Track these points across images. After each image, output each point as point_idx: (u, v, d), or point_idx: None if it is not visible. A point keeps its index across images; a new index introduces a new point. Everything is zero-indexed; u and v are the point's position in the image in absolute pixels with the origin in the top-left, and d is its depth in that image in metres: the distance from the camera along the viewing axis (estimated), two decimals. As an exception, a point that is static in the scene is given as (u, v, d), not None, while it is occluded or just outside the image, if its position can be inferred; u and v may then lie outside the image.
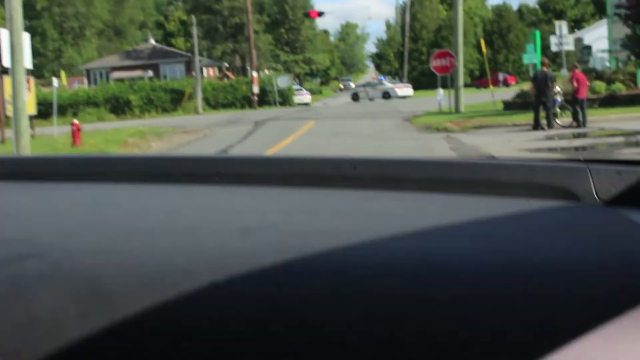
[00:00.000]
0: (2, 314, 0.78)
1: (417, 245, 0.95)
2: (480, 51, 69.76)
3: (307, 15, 63.88)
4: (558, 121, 20.92)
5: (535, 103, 20.54)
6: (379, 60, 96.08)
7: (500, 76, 69.55)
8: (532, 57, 50.89)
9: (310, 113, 39.46)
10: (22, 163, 1.58)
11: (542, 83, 20.22)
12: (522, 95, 28.95)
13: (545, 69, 20.68)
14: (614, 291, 0.81)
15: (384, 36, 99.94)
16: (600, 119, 21.49)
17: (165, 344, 0.76)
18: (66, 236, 1.01)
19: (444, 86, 32.07)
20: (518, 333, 0.77)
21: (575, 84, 20.59)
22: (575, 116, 20.60)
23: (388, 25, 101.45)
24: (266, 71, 69.48)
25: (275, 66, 79.90)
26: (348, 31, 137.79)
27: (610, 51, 29.37)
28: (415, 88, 63.75)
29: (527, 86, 26.32)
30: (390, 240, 0.96)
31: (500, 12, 78.59)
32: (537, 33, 52.64)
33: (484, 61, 33.45)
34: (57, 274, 0.86)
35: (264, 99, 53.02)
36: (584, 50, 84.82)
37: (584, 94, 20.83)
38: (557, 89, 20.85)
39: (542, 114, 20.53)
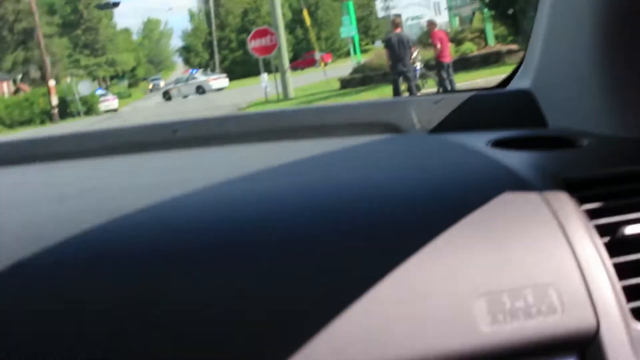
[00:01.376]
0: None
1: (244, 186, 0.99)
2: (292, 30, 66.04)
3: (101, 7, 56.94)
4: (420, 93, 16.47)
5: (392, 74, 15.93)
6: (187, 53, 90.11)
7: (317, 55, 65.28)
8: (349, 29, 46.86)
9: (118, 120, 33.45)
10: None
11: (398, 48, 15.62)
12: (360, 69, 24.36)
13: (399, 30, 16.04)
14: (442, 206, 0.89)
15: (189, 28, 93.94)
16: (467, 85, 17.18)
17: None
18: None
19: (266, 71, 27.01)
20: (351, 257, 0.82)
21: (438, 45, 16.12)
22: (442, 84, 16.16)
23: (192, 15, 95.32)
24: (68, 79, 62.45)
25: (76, 72, 72.32)
26: (151, 28, 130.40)
27: (450, 8, 25.19)
28: (230, 78, 58.17)
29: (348, 61, 21.86)
30: (208, 189, 0.99)
31: (306, -11, 74.48)
32: (350, 4, 48.76)
33: (311, 35, 29.00)
34: None
35: (65, 110, 46.16)
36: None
37: (449, 56, 16.44)
38: (415, 54, 16.33)
39: (403, 86, 15.98)
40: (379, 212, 0.88)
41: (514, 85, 1.51)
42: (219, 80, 53.64)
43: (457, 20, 26.66)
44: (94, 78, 76.43)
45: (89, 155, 1.38)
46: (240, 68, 74.35)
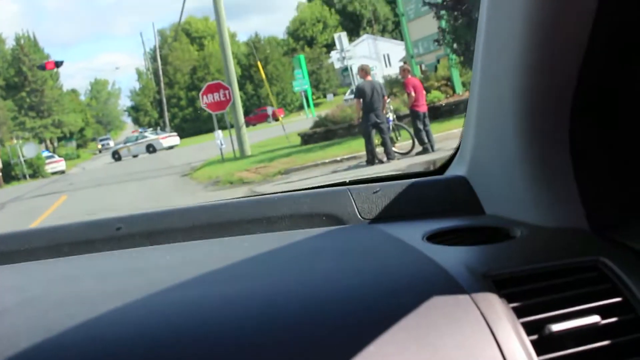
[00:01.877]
0: None
1: (181, 294, 1.00)
2: (242, 86, 64.62)
3: (43, 67, 54.90)
4: (395, 148, 14.90)
5: (364, 127, 14.36)
6: (136, 112, 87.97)
7: (269, 110, 63.84)
8: (302, 83, 45.71)
9: (64, 183, 31.30)
10: None
11: (371, 97, 14.10)
12: (322, 122, 22.75)
13: (369, 78, 14.50)
14: (375, 307, 0.92)
15: (137, 87, 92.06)
16: (443, 136, 15.63)
17: None
18: None
19: (220, 127, 25.22)
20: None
21: (412, 93, 14.59)
22: (418, 136, 14.59)
23: (139, 74, 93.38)
24: (14, 141, 60.04)
25: (22, 135, 69.79)
26: (98, 88, 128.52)
27: (412, 57, 23.84)
28: (181, 136, 56.33)
29: (303, 115, 20.32)
30: (154, 297, 1.00)
31: (255, 44, 73.15)
32: (302, 57, 47.60)
33: (266, 87, 27.33)
34: None
35: (10, 173, 43.88)
36: (344, 72, 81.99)
37: (424, 105, 14.93)
38: (387, 103, 14.77)
39: (376, 139, 14.41)
40: (314, 320, 0.90)
41: (451, 171, 1.53)
42: (169, 139, 51.71)
43: (419, 69, 25.30)
44: (41, 140, 74.02)
45: (30, 255, 1.35)
46: (191, 125, 72.95)
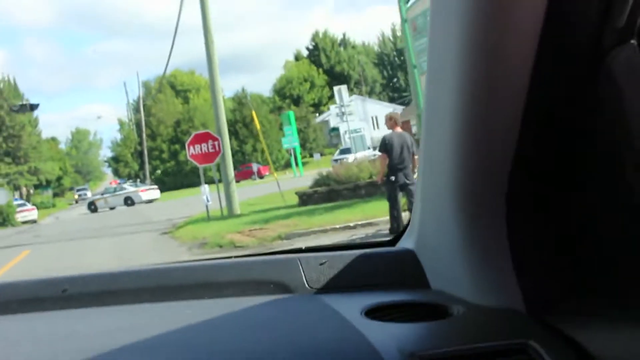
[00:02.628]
0: None
1: None
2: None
3: (17, 109, 52.07)
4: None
5: (389, 188, 11.76)
6: (116, 163, 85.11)
7: (255, 167, 61.27)
8: (291, 140, 43.32)
9: (30, 235, 28.36)
10: None
11: (400, 153, 11.55)
12: (323, 181, 20.08)
13: (398, 129, 11.90)
14: None
15: (118, 137, 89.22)
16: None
17: None
18: None
19: (201, 182, 22.47)
20: None
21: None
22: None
23: (121, 124, 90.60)
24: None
25: (-5, 181, 66.60)
26: (79, 138, 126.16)
27: (415, 67, 21.33)
28: (161, 190, 53.40)
29: (315, 169, 17.73)
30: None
31: (241, 100, 70.92)
32: (292, 114, 45.35)
33: (261, 140, 24.59)
34: None
35: (-23, 221, 40.86)
36: (332, 132, 79.86)
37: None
38: (416, 162, 12.18)
39: (403, 202, 11.78)
40: None
41: (401, 244, 1.54)
42: (149, 192, 48.80)
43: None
44: (16, 187, 70.85)
45: None
46: (172, 179, 70.39)
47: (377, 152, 12.19)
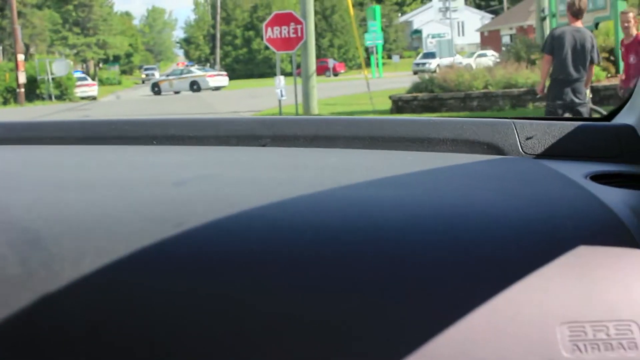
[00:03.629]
0: None
1: (352, 193, 1.02)
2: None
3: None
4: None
5: (551, 106, 8.06)
6: (188, 45, 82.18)
7: (331, 63, 57.33)
8: (375, 36, 39.33)
9: (77, 115, 25.26)
10: None
11: (574, 57, 7.79)
12: (424, 86, 16.36)
13: (578, 24, 8.05)
14: (534, 235, 0.92)
15: (193, 18, 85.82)
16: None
17: (101, 292, 0.79)
18: (2, 190, 1.03)
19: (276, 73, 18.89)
20: (443, 275, 0.84)
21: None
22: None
23: (196, 4, 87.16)
24: (56, 55, 54.44)
25: (63, 50, 64.09)
26: (155, 16, 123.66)
27: (553, 15, 17.29)
28: (230, 78, 50.01)
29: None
30: (324, 190, 1.02)
31: (323, -9, 66.39)
32: (378, 8, 41.39)
33: (353, 29, 20.72)
34: None
35: (35, 91, 38.06)
36: (413, 34, 75.21)
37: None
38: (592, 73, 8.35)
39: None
40: (472, 234, 0.91)
41: (619, 119, 1.49)
42: (217, 78, 45.20)
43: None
44: (83, 60, 68.38)
45: (179, 141, 1.39)
46: (243, 67, 67.00)
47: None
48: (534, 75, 14.06)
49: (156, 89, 43.68)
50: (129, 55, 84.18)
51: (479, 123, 1.38)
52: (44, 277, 0.78)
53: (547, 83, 8.12)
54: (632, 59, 8.66)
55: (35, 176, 1.11)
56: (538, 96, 10.70)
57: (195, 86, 43.09)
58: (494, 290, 0.82)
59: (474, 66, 21.03)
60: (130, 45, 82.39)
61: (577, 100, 7.78)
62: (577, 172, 1.17)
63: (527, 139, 1.33)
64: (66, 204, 0.93)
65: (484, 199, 1.01)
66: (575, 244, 0.89)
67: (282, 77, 18.01)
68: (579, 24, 7.90)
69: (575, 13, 7.87)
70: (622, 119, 1.45)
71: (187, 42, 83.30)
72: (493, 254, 0.87)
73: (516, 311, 0.82)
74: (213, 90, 42.18)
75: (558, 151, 1.32)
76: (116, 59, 77.32)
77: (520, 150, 1.32)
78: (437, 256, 0.85)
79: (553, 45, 7.90)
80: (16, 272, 0.79)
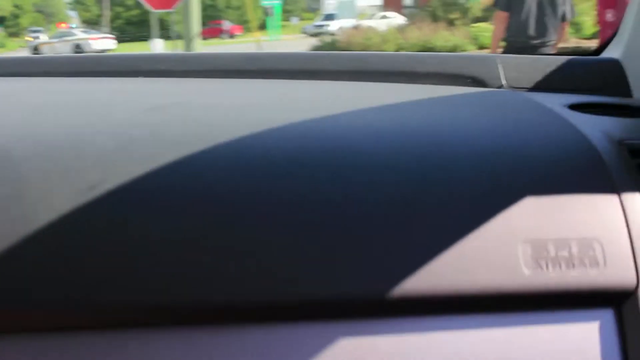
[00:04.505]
0: None
1: (343, 121, 1.02)
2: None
3: None
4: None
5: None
6: (79, 6, 77.40)
7: (226, 25, 54.14)
8: (273, -8, 37.00)
9: None
10: None
11: (533, 13, 5.43)
12: (327, 48, 13.87)
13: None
14: (504, 156, 0.93)
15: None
16: None
17: (69, 210, 0.79)
18: None
19: (163, 37, 16.19)
20: (429, 198, 0.86)
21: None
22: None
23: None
24: None
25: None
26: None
27: None
28: (121, 41, 46.49)
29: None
30: (320, 119, 1.03)
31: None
32: (275, -33, 39.03)
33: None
34: None
35: None
36: (313, -5, 72.48)
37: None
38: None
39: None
40: (445, 157, 0.92)
41: (605, 54, 1.49)
42: (102, 41, 41.91)
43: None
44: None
45: (187, 74, 1.37)
46: (136, 29, 62.75)
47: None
48: (454, 38, 11.81)
49: (36, 52, 39.89)
50: (16, 17, 78.86)
51: (463, 57, 1.40)
52: (9, 194, 0.80)
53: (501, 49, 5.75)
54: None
55: (10, 101, 1.10)
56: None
57: (78, 49, 39.64)
58: (462, 208, 0.84)
59: (378, 28, 18.87)
60: (16, 6, 77.12)
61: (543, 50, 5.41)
62: (557, 102, 1.18)
63: (511, 72, 1.33)
64: (39, 125, 0.94)
65: (459, 125, 1.02)
66: (544, 166, 0.91)
67: (159, 41, 15.38)
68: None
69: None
70: (608, 53, 1.45)
71: (78, 2, 78.48)
72: (464, 175, 0.88)
73: (482, 229, 0.84)
74: (98, 53, 38.76)
75: (542, 85, 1.33)
76: (1, 20, 72.10)
77: (504, 83, 1.33)
78: (410, 179, 0.87)
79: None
80: None
